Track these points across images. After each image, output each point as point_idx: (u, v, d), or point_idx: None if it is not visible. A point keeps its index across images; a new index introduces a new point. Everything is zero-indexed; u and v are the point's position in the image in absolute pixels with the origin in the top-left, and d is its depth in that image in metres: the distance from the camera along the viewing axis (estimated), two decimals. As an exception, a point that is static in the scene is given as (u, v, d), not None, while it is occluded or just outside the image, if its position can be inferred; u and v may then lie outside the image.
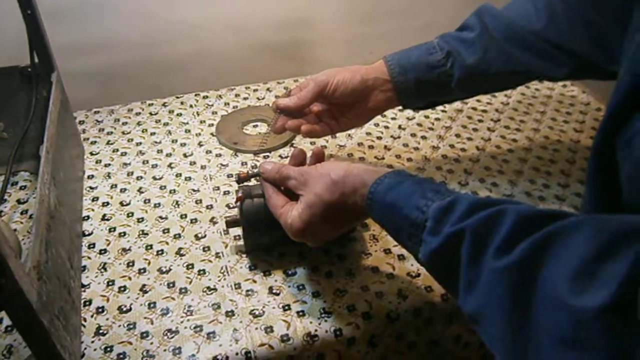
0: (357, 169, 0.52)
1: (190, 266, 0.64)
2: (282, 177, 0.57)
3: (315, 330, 0.57)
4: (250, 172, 0.63)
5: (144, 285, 0.62)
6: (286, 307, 0.59)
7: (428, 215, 0.44)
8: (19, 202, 0.74)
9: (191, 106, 0.95)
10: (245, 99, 0.97)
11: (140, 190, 0.76)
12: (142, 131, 0.89)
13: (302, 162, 0.61)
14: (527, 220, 0.38)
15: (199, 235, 0.68)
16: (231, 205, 0.73)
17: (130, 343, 0.55)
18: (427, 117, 0.92)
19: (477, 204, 0.42)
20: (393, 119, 0.92)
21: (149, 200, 0.74)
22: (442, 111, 0.93)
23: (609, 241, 0.33)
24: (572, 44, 0.63)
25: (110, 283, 0.62)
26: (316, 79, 0.68)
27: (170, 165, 0.81)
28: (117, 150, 0.84)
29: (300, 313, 0.58)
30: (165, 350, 0.55)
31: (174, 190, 0.76)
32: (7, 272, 0.39)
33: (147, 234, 0.69)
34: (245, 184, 0.64)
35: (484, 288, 0.38)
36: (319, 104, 0.70)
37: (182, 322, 0.58)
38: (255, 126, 0.90)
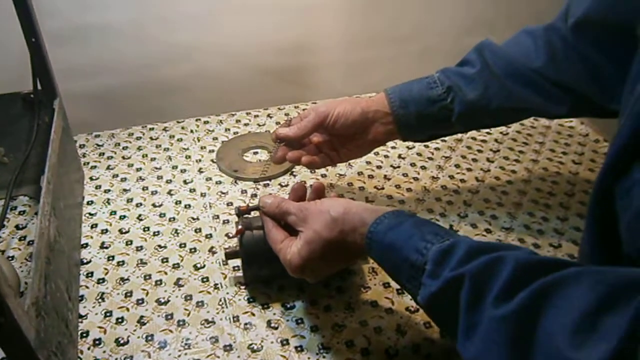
0: (357, 207, 0.53)
1: (188, 297, 0.64)
2: (282, 212, 0.58)
3: (314, 367, 0.56)
4: (250, 205, 0.63)
5: (141, 317, 0.61)
6: (284, 342, 0.59)
7: (427, 258, 0.44)
8: (17, 227, 0.74)
9: (192, 131, 0.96)
10: (246, 124, 0.98)
11: (139, 218, 0.76)
12: (143, 156, 0.89)
13: (302, 197, 0.61)
14: (526, 269, 0.38)
15: (198, 266, 0.68)
16: (230, 235, 0.73)
17: (127, 377, 0.55)
18: (426, 146, 0.93)
19: (476, 249, 0.42)
20: (393, 147, 0.92)
21: (148, 228, 0.74)
22: (442, 141, 0.94)
23: (608, 294, 0.33)
24: (571, 82, 0.64)
25: (107, 314, 0.62)
26: (317, 109, 0.68)
27: (170, 192, 0.81)
28: (117, 175, 0.84)
29: (299, 348, 0.58)
30: (162, 385, 0.54)
31: (174, 218, 0.76)
32: (6, 311, 0.38)
33: (145, 263, 0.68)
34: (246, 215, 0.64)
35: (482, 336, 0.39)
36: (319, 134, 0.70)
37: (179, 356, 0.57)
38: (255, 153, 0.90)
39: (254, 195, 0.80)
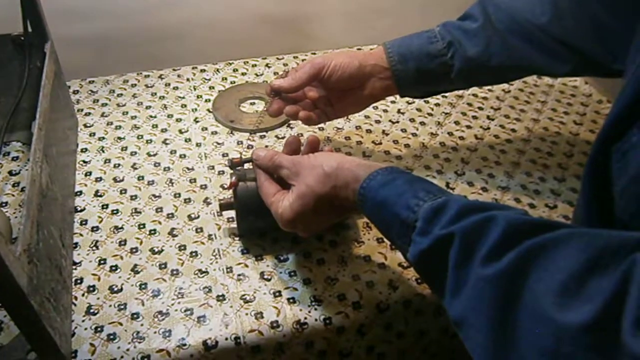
0: (350, 163, 0.52)
1: (182, 247, 0.64)
2: (275, 166, 0.57)
3: (305, 318, 0.57)
4: (243, 157, 0.62)
5: (135, 266, 0.62)
6: (277, 294, 0.59)
7: (418, 216, 0.44)
8: (10, 173, 0.73)
9: (188, 80, 0.94)
10: (243, 74, 0.96)
11: (134, 167, 0.75)
12: (138, 104, 0.87)
13: (296, 150, 0.61)
14: (516, 230, 0.38)
15: (192, 216, 0.68)
16: (225, 186, 0.72)
17: (121, 324, 0.56)
18: (426, 102, 0.91)
19: (467, 208, 0.42)
20: (392, 102, 0.90)
21: (143, 177, 0.73)
22: (443, 97, 0.92)
23: (596, 256, 0.33)
24: (576, 40, 0.62)
25: (102, 262, 0.62)
26: (313, 60, 0.67)
27: (165, 142, 0.80)
28: (112, 123, 0.83)
29: (291, 300, 0.59)
30: (155, 332, 0.55)
31: (168, 167, 0.75)
32: (-3, 258, 0.38)
33: (140, 212, 0.68)
34: (239, 168, 0.64)
35: (469, 295, 0.39)
36: (315, 89, 0.68)
37: (172, 304, 0.58)
38: (252, 104, 0.89)
39: (249, 147, 0.79)
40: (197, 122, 0.84)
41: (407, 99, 0.91)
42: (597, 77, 0.67)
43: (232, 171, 0.63)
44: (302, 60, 1.00)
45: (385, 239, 0.66)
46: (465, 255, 0.39)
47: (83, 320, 0.56)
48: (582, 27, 0.61)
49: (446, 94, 0.92)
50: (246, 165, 0.63)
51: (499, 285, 0.36)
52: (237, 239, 0.65)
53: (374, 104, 0.87)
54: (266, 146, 0.79)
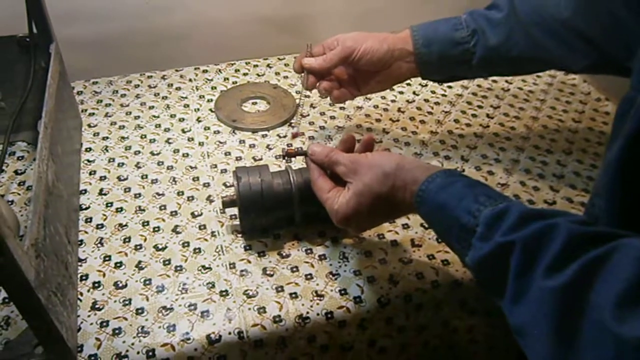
0: (410, 164, 0.53)
1: (186, 244, 0.65)
2: (331, 162, 0.58)
3: (307, 313, 0.58)
4: (298, 149, 0.63)
5: (140, 262, 0.63)
6: (279, 289, 0.60)
7: (479, 221, 0.44)
8: (16, 172, 0.74)
9: (190, 80, 0.95)
10: (245, 74, 0.97)
11: (137, 165, 0.76)
12: (141, 104, 0.88)
13: (350, 149, 0.62)
14: (578, 240, 0.38)
15: (196, 213, 0.69)
16: (228, 184, 0.73)
17: (126, 319, 0.57)
18: (426, 100, 0.92)
19: (528, 215, 0.42)
20: (393, 101, 0.91)
21: (147, 175, 0.74)
22: (443, 95, 0.93)
23: None
24: (595, 35, 0.63)
25: (106, 258, 0.63)
26: (344, 43, 0.69)
27: (168, 141, 0.81)
28: (115, 123, 0.84)
29: (293, 295, 0.59)
30: (160, 327, 0.56)
31: (172, 166, 0.76)
32: (6, 251, 0.39)
33: (143, 210, 0.69)
34: (243, 164, 0.65)
35: (531, 304, 0.39)
36: (343, 69, 0.71)
37: (176, 299, 0.59)
38: (254, 103, 0.90)
39: (252, 146, 0.80)
40: (200, 121, 0.85)
41: (407, 98, 0.92)
42: (613, 76, 0.67)
43: (283, 157, 0.64)
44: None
45: (386, 236, 0.67)
46: (527, 263, 0.39)
47: (89, 316, 0.57)
48: (601, 23, 0.61)
49: (446, 93, 0.93)
50: (297, 158, 0.64)
51: (562, 298, 0.36)
52: (239, 235, 0.66)
53: (375, 103, 0.89)
54: (267, 145, 0.80)
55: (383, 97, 0.91)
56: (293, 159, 0.64)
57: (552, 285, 0.37)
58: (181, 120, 0.85)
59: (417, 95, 0.93)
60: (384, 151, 0.58)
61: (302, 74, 0.73)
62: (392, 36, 0.70)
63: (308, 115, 0.87)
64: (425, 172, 0.51)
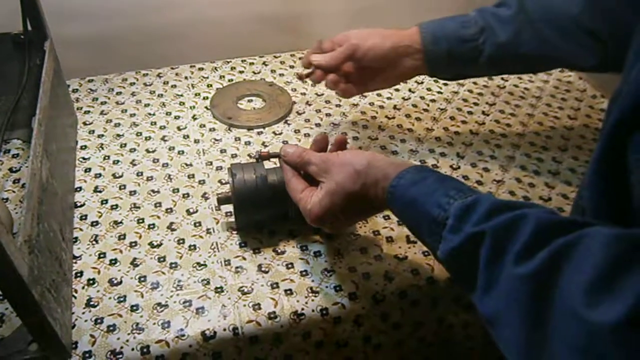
0: (380, 161, 0.53)
1: (181, 241, 0.65)
2: (304, 162, 0.58)
3: (302, 309, 0.58)
4: (270, 151, 0.63)
5: (135, 259, 0.62)
6: (274, 285, 0.60)
7: (449, 214, 0.44)
8: (11, 170, 0.74)
9: (186, 78, 0.95)
10: (241, 72, 0.97)
11: (133, 163, 0.76)
12: (136, 102, 0.88)
13: (324, 148, 0.62)
14: (547, 228, 0.38)
15: (191, 210, 0.69)
16: (223, 181, 0.73)
17: (121, 315, 0.57)
18: (422, 98, 0.92)
19: (498, 206, 0.42)
20: (389, 98, 0.91)
21: (142, 173, 0.74)
22: (438, 92, 0.93)
23: (624, 253, 0.33)
24: (603, 33, 0.63)
25: (101, 255, 0.63)
26: (349, 40, 0.70)
27: (163, 138, 0.81)
28: (111, 120, 0.84)
29: (288, 291, 0.59)
30: (154, 323, 0.56)
31: (167, 164, 0.76)
32: (-1, 247, 0.39)
33: (139, 207, 0.69)
34: (238, 161, 0.65)
35: (502, 293, 0.39)
36: (350, 64, 0.71)
37: (171, 296, 0.59)
38: (250, 101, 0.90)
39: (247, 143, 0.80)
40: (196, 119, 0.85)
41: (402, 94, 0.92)
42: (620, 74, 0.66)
43: (229, 167, 0.64)
44: (299, 58, 1.01)
45: (381, 232, 0.67)
46: (497, 253, 0.39)
47: (83, 313, 0.57)
48: (609, 20, 0.61)
49: (442, 90, 0.93)
50: (272, 160, 0.64)
51: (532, 284, 0.36)
52: (235, 232, 0.66)
53: (370, 101, 0.89)
54: (263, 142, 0.80)
55: (379, 95, 0.92)
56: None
57: (521, 273, 0.37)
58: (177, 117, 0.85)
59: (413, 92, 0.93)
60: (355, 150, 0.58)
61: (310, 69, 0.73)
62: (398, 33, 0.71)
63: (304, 112, 0.87)
64: (396, 169, 0.51)
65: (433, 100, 0.91)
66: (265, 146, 0.80)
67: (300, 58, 1.02)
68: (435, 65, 0.70)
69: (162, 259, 0.62)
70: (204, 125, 0.84)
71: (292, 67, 0.99)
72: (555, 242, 0.36)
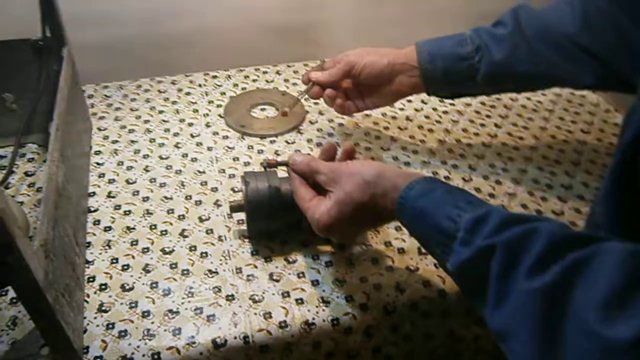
0: (390, 172, 0.53)
1: (193, 248, 0.65)
2: (312, 171, 0.58)
3: (313, 319, 0.58)
4: (278, 160, 0.63)
5: (147, 265, 0.63)
6: (285, 294, 0.60)
7: (460, 226, 0.44)
8: (26, 174, 0.75)
9: (200, 85, 0.96)
10: (254, 80, 0.97)
11: (146, 169, 0.76)
12: (151, 109, 0.89)
13: (332, 157, 0.62)
14: (560, 242, 0.38)
15: (203, 218, 0.69)
16: (236, 189, 0.73)
17: (132, 321, 0.57)
18: (435, 109, 0.92)
19: (509, 219, 0.42)
20: (401, 109, 0.92)
21: (155, 179, 0.75)
22: (451, 104, 0.93)
23: (638, 270, 0.32)
24: (601, 51, 0.63)
25: (114, 261, 0.63)
26: (348, 57, 0.72)
27: (177, 145, 0.81)
28: (125, 127, 0.85)
29: (299, 301, 0.59)
30: (165, 330, 0.56)
31: (180, 170, 0.76)
32: (16, 251, 0.40)
33: (151, 213, 0.69)
34: (251, 170, 0.65)
35: (513, 307, 0.39)
36: (349, 81, 0.73)
37: (183, 303, 0.59)
38: (263, 109, 0.90)
39: (260, 151, 0.81)
40: (209, 126, 0.85)
41: (415, 106, 0.92)
42: (619, 93, 0.66)
43: (263, 169, 0.64)
44: (312, 67, 1.02)
45: (393, 243, 0.67)
46: (509, 267, 0.39)
47: (95, 317, 0.57)
48: (608, 38, 0.61)
49: (454, 102, 0.94)
50: (279, 169, 0.64)
51: (545, 299, 0.36)
52: (246, 240, 0.66)
53: (383, 111, 0.89)
54: (276, 151, 0.81)
55: (392, 105, 0.92)
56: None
57: (534, 287, 0.37)
58: (190, 125, 0.86)
59: (426, 103, 0.93)
60: (364, 160, 0.58)
61: (309, 84, 0.75)
62: (395, 51, 0.72)
63: (317, 122, 0.88)
64: (405, 180, 0.51)
65: (445, 112, 0.92)
66: (278, 155, 0.80)
67: (312, 67, 1.02)
68: (431, 82, 0.71)
69: (174, 266, 0.63)
70: (217, 133, 0.84)
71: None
72: (569, 257, 0.36)
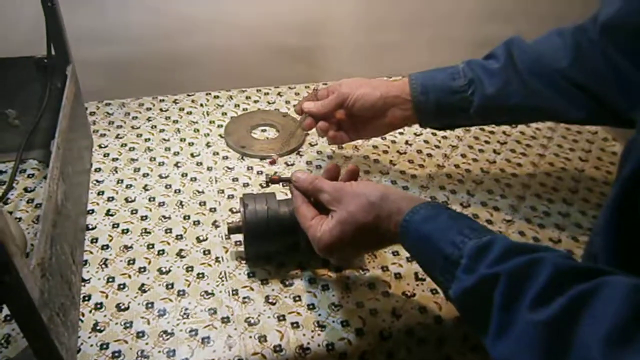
0: (394, 195, 0.53)
1: (189, 268, 0.65)
2: (315, 189, 0.58)
3: (308, 343, 0.57)
4: (281, 176, 0.63)
5: (143, 285, 0.63)
6: (281, 318, 0.60)
7: (463, 253, 0.44)
8: (26, 190, 0.75)
9: (202, 105, 0.96)
10: (255, 101, 0.98)
11: (145, 188, 0.77)
12: (152, 127, 0.89)
13: (335, 178, 0.62)
14: (564, 274, 0.38)
15: (201, 238, 0.69)
16: (234, 210, 0.74)
17: (126, 342, 0.56)
18: (434, 134, 0.93)
19: (514, 248, 0.42)
20: (401, 133, 0.92)
21: (154, 198, 0.75)
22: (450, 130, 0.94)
23: None
24: (593, 85, 0.63)
25: (110, 280, 0.63)
26: (340, 89, 0.72)
27: (177, 165, 0.81)
28: (126, 144, 0.85)
29: (295, 324, 0.59)
30: (159, 352, 0.55)
31: (179, 190, 0.77)
32: (12, 269, 0.39)
33: (149, 232, 0.69)
34: (250, 191, 0.65)
35: (516, 338, 0.38)
36: (342, 111, 0.73)
37: (178, 324, 0.58)
38: (263, 131, 0.91)
39: (259, 172, 0.81)
40: (209, 146, 0.86)
41: (414, 130, 0.93)
42: (612, 127, 0.67)
43: (266, 184, 0.64)
44: (324, 84, 1.03)
45: (390, 268, 0.67)
46: (512, 297, 0.39)
47: (89, 337, 0.57)
48: (600, 73, 0.61)
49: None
50: (281, 184, 0.65)
51: (548, 331, 0.36)
52: (243, 262, 0.66)
53: (382, 136, 0.89)
54: (275, 172, 0.81)
55: (383, 138, 0.92)
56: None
57: (538, 319, 0.37)
58: (191, 144, 0.86)
59: (425, 128, 0.94)
60: (368, 181, 0.58)
61: (302, 115, 0.76)
62: (388, 83, 0.73)
63: (316, 144, 0.88)
64: (410, 203, 0.51)
65: (445, 137, 0.92)
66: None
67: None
68: (423, 115, 0.71)
69: (170, 286, 0.63)
70: (217, 153, 0.84)
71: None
72: (574, 289, 0.36)
